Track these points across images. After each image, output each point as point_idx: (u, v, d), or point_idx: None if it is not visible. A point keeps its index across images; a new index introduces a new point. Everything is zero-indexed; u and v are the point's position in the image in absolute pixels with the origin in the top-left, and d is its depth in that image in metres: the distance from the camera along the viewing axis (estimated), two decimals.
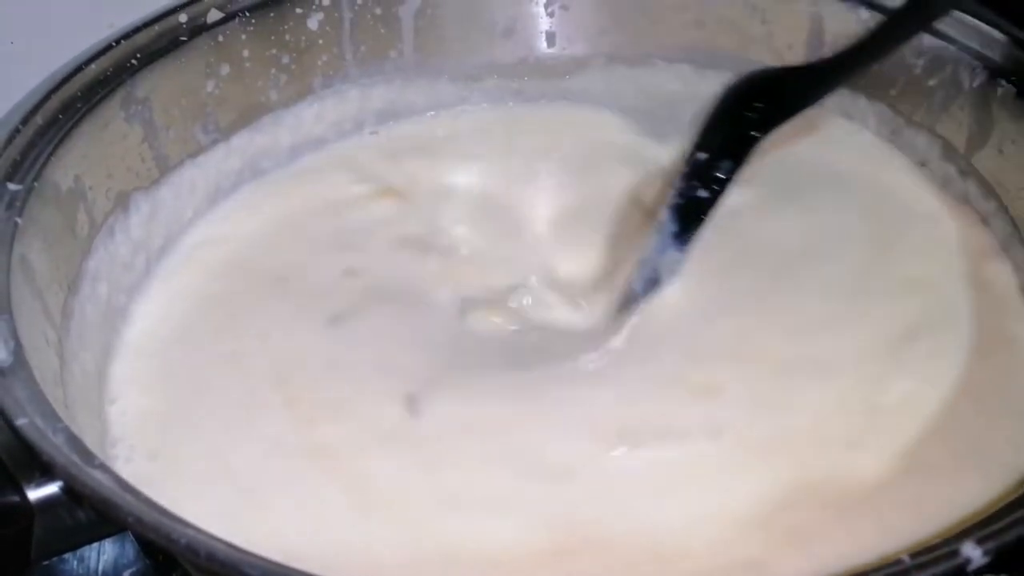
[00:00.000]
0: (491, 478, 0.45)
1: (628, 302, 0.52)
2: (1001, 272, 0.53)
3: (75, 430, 0.42)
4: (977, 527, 0.31)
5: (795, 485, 0.44)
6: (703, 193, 0.50)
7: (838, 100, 0.61)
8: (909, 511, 0.42)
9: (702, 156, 0.51)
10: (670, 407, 0.48)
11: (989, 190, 0.53)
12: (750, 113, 0.50)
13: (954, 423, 0.46)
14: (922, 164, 0.59)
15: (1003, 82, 0.52)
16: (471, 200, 0.63)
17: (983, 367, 0.48)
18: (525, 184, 0.63)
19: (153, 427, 0.49)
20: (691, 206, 0.51)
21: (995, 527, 0.31)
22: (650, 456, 0.46)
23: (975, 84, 0.54)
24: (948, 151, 0.56)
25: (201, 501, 0.44)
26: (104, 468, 0.36)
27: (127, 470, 0.46)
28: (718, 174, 0.50)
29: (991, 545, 0.30)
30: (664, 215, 0.52)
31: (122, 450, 0.48)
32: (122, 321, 0.54)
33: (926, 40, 0.56)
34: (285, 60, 0.64)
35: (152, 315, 0.55)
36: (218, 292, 0.56)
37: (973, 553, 0.30)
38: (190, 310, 0.55)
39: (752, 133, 0.50)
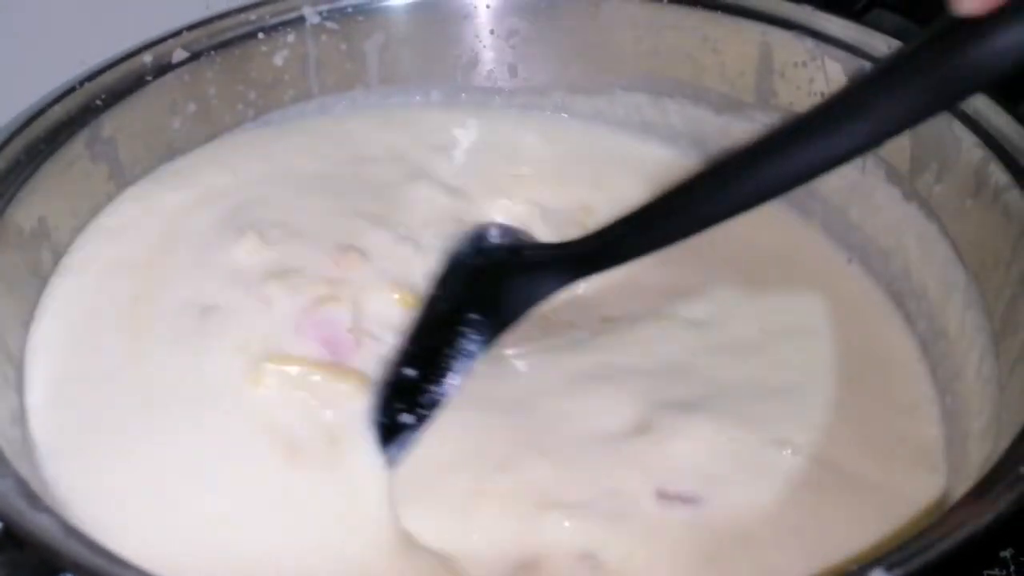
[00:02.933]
0: None
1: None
2: None
3: (32, 471, 0.43)
4: (886, 555, 0.32)
5: None
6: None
7: None
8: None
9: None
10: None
11: (930, 213, 0.54)
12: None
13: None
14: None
15: None
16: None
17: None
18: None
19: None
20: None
21: (904, 553, 0.32)
22: None
23: None
24: (892, 175, 0.57)
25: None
26: (50, 512, 0.37)
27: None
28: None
29: (899, 572, 0.31)
30: None
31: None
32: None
33: (868, 68, 0.57)
34: (252, 96, 0.66)
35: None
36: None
37: None
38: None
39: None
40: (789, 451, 0.46)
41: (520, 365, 0.51)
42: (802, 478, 0.44)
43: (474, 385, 0.48)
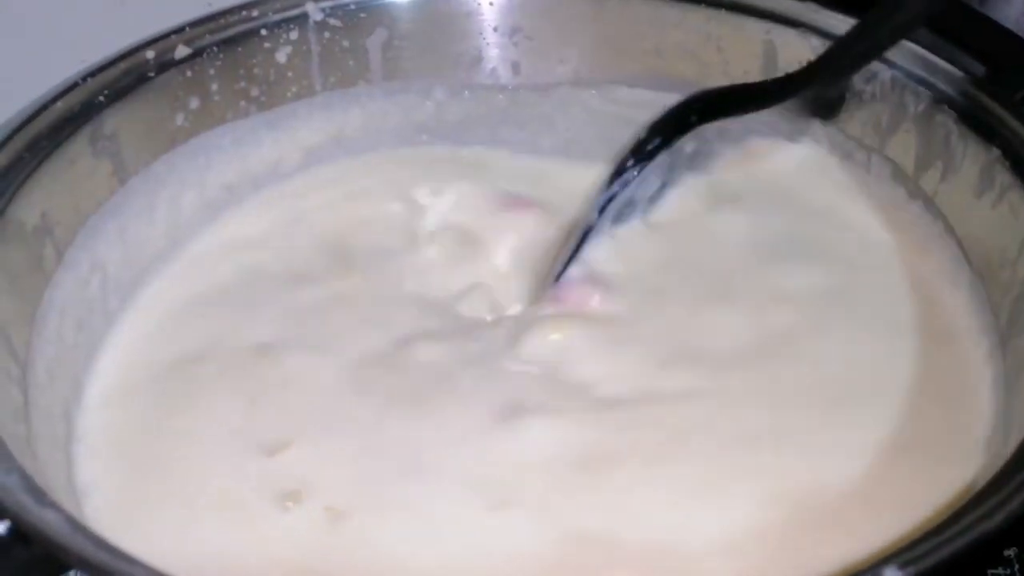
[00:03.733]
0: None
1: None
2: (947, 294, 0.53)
3: (36, 467, 0.43)
4: (897, 553, 0.32)
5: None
6: (630, 164, 0.55)
7: (791, 124, 0.63)
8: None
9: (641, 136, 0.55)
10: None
11: (936, 212, 0.54)
12: (691, 107, 0.55)
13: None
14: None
15: (945, 107, 0.53)
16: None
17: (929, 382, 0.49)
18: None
19: (121, 466, 0.49)
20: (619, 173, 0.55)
21: (916, 552, 0.32)
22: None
23: (920, 108, 0.55)
24: (897, 174, 0.57)
25: (166, 538, 0.45)
26: (56, 508, 0.37)
27: (92, 507, 0.46)
28: (648, 147, 0.54)
29: (912, 570, 0.31)
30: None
31: (90, 487, 0.48)
32: (91, 355, 0.54)
33: (874, 66, 0.57)
34: (255, 93, 0.65)
35: (121, 349, 0.55)
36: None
37: None
38: (161, 346, 0.55)
39: (690, 118, 0.55)
40: None
41: None
42: None
43: None
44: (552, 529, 0.44)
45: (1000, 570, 0.49)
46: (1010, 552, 0.49)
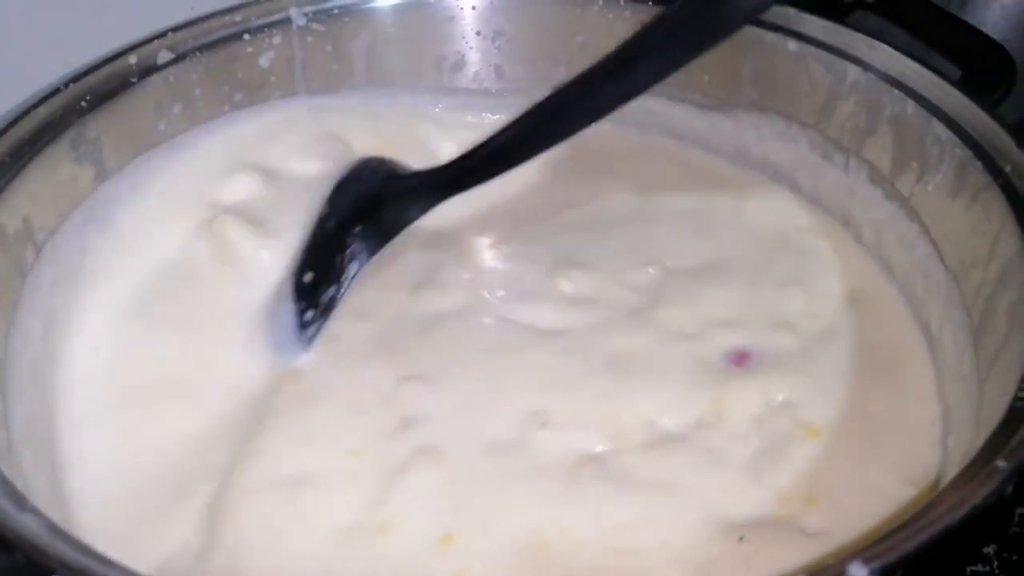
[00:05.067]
0: None
1: None
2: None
3: (17, 472, 0.43)
4: (863, 549, 0.32)
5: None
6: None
7: (770, 127, 0.63)
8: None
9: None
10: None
11: (912, 213, 0.55)
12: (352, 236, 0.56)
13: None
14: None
15: (921, 109, 0.54)
16: None
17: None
18: None
19: (107, 467, 0.49)
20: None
21: (881, 547, 0.32)
22: None
23: (895, 110, 0.56)
24: (875, 176, 0.57)
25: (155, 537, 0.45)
26: (36, 513, 0.37)
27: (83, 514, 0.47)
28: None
29: (876, 565, 0.31)
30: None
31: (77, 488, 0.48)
32: (67, 358, 0.53)
33: (850, 69, 0.58)
34: (238, 98, 0.66)
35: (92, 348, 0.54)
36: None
37: (859, 572, 0.31)
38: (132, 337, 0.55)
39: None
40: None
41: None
42: None
43: None
44: None
45: (980, 567, 0.49)
46: (989, 549, 0.50)
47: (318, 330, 0.54)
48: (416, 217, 0.55)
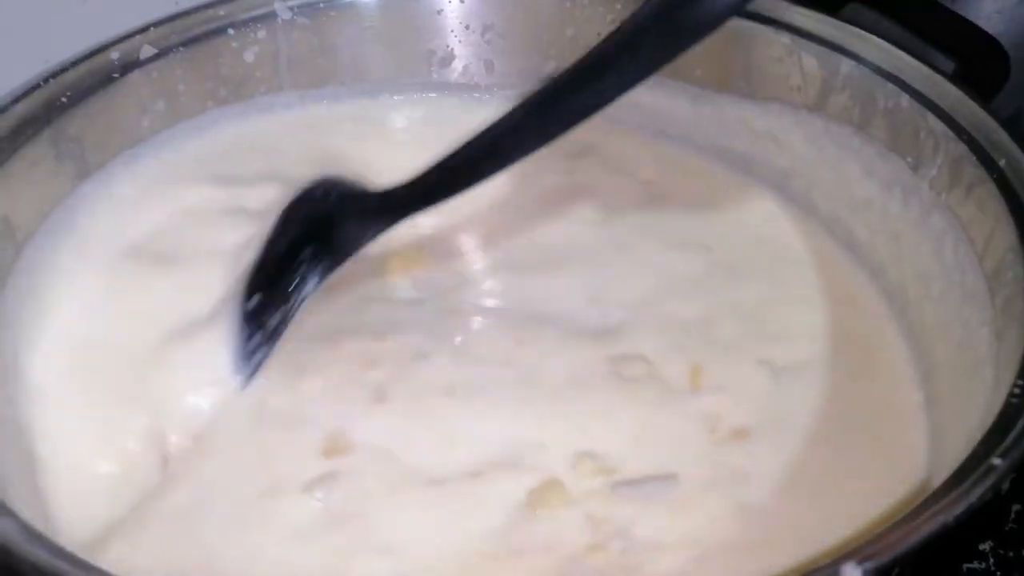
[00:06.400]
0: None
1: None
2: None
3: None
4: (857, 549, 0.32)
5: None
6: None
7: (767, 123, 0.62)
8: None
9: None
10: None
11: None
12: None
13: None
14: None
15: (915, 103, 0.53)
16: None
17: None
18: None
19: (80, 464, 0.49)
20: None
21: (875, 548, 0.32)
22: None
23: (889, 104, 0.55)
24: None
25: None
26: (11, 516, 0.36)
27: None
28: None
29: (871, 565, 0.31)
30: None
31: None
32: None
33: (843, 62, 0.57)
34: (223, 93, 0.65)
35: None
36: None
37: (853, 573, 0.31)
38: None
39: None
40: None
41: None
42: None
43: None
44: None
45: (976, 563, 0.49)
46: (985, 546, 0.50)
47: (265, 355, 0.52)
48: (371, 239, 0.52)
